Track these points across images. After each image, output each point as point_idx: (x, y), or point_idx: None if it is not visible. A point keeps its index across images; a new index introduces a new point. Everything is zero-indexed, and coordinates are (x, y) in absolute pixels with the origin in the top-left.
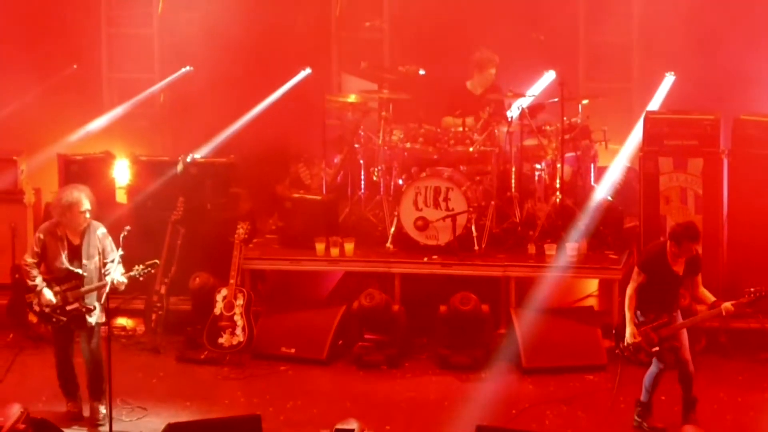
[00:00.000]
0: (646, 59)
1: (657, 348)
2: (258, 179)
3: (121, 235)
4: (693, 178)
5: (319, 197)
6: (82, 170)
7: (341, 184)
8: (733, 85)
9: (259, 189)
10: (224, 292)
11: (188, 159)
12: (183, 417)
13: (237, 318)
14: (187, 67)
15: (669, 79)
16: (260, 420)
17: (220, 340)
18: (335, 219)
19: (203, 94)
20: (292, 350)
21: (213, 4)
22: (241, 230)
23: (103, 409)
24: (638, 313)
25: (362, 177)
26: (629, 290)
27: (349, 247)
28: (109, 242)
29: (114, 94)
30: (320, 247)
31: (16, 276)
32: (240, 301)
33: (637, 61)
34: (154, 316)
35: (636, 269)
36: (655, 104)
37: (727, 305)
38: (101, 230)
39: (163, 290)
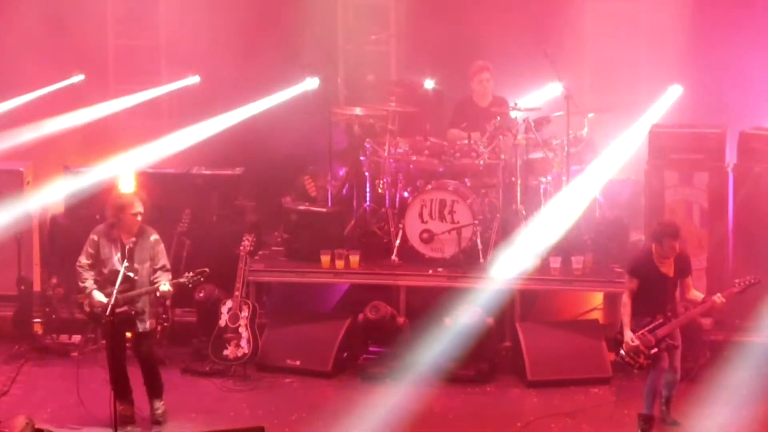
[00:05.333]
0: (651, 72)
1: (656, 349)
2: (264, 191)
3: (126, 247)
4: (698, 191)
5: (324, 209)
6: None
7: (347, 196)
8: (738, 99)
9: (265, 201)
10: (229, 304)
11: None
12: (188, 429)
13: (242, 330)
14: (194, 77)
15: (674, 93)
16: None
17: (225, 352)
18: (341, 231)
19: (209, 104)
20: (297, 362)
21: (219, 16)
22: (247, 242)
23: (160, 406)
24: (634, 320)
25: (368, 189)
26: (624, 297)
27: (354, 259)
28: (160, 249)
29: (120, 105)
30: (325, 259)
31: (22, 287)
32: (245, 313)
33: (644, 75)
34: (159, 328)
35: (627, 276)
36: (660, 117)
37: (717, 296)
38: (154, 236)
39: (168, 302)
